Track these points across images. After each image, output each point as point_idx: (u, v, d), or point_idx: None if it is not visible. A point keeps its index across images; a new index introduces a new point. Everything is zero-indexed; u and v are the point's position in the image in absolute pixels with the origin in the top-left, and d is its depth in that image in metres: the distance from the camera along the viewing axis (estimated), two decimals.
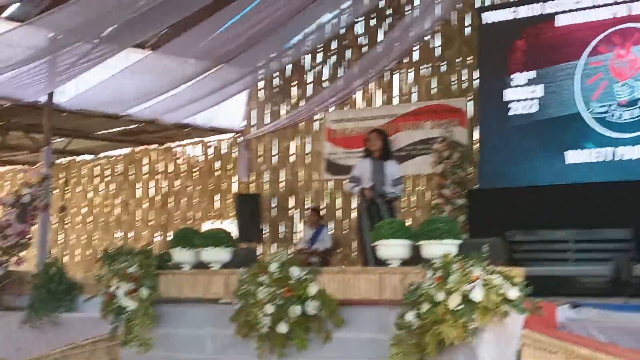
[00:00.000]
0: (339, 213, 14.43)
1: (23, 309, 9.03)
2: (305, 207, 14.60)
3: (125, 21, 11.05)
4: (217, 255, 7.23)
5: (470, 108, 13.01)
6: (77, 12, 10.29)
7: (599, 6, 11.54)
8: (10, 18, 11.35)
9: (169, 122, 14.59)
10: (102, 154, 17.83)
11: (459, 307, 5.62)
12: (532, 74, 12.04)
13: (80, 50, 11.44)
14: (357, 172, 9.89)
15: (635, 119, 11.18)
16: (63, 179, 16.16)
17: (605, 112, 11.42)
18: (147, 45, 12.77)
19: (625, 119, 11.27)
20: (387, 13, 14.05)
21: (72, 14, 10.35)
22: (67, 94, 12.81)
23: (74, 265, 17.59)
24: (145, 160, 17.09)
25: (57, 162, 17.49)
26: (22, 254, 9.81)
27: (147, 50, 12.77)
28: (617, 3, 11.39)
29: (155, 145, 16.85)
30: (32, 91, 12.16)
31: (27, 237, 9.84)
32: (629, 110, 11.24)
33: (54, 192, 11.00)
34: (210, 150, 16.19)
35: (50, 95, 12.29)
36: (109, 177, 17.63)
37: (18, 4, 11.17)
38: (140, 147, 17.11)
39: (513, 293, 5.65)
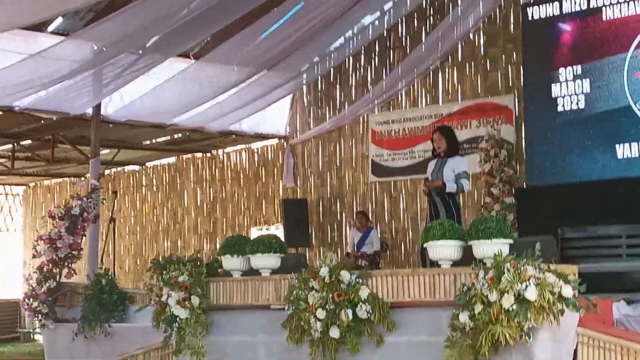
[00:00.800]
0: (386, 215, 14.37)
1: (76, 320, 9.12)
2: (353, 210, 14.55)
3: (168, 31, 11.12)
4: (266, 261, 7.23)
5: (516, 105, 12.88)
6: (120, 24, 10.37)
7: None
8: (55, 32, 11.47)
9: (215, 130, 14.64)
10: (149, 164, 17.96)
11: (513, 307, 5.56)
12: (578, 69, 11.90)
13: (125, 61, 11.53)
14: (428, 173, 9.73)
15: None
16: (111, 189, 16.28)
17: None
18: (190, 54, 12.83)
19: None
20: (429, 13, 13.97)
21: (115, 26, 10.44)
22: (114, 105, 12.92)
23: (124, 276, 17.75)
24: (191, 169, 17.18)
25: (105, 173, 17.67)
26: (73, 265, 9.89)
27: (190, 59, 12.83)
28: None
29: (201, 154, 16.93)
30: (79, 104, 12.28)
31: (78, 248, 9.92)
32: None
33: (103, 203, 11.05)
34: (256, 157, 16.23)
35: (97, 107, 12.40)
36: (156, 187, 17.74)
37: (62, 18, 11.28)
38: (187, 156, 17.20)
39: (567, 291, 5.59)
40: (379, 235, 13.85)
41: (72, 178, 18.83)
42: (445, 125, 11.35)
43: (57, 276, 9.76)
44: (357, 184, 14.76)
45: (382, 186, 14.43)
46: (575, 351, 5.94)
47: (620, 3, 11.57)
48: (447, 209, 9.26)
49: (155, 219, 17.70)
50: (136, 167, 18.22)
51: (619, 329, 6.44)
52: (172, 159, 17.54)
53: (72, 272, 9.83)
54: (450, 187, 9.30)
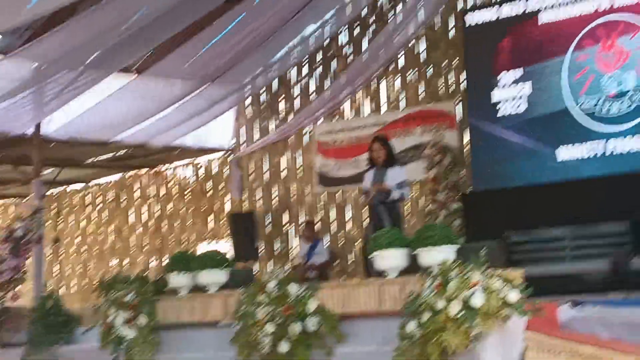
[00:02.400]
0: (333, 225, 14.37)
1: (22, 344, 8.95)
2: (300, 221, 14.53)
3: (108, 47, 11.01)
4: (213, 277, 7.18)
5: (459, 111, 12.97)
6: (60, 41, 10.25)
7: (581, 0, 11.53)
8: None
9: (159, 145, 14.52)
10: (92, 182, 17.76)
11: (460, 314, 5.58)
12: (518, 73, 12.03)
13: (66, 79, 11.39)
14: (364, 185, 9.74)
15: (625, 111, 11.16)
16: (55, 209, 16.07)
17: (595, 106, 11.40)
18: (132, 69, 12.72)
19: (614, 112, 11.25)
20: (370, 21, 14.02)
21: (55, 43, 10.31)
22: (55, 124, 12.75)
23: (70, 297, 17.48)
24: (136, 185, 17.02)
25: (48, 193, 17.43)
26: (17, 288, 9.73)
27: (132, 74, 12.72)
28: None
29: (145, 170, 16.78)
30: (19, 123, 12.11)
31: (22, 271, 9.76)
32: (617, 103, 11.22)
33: (47, 223, 10.91)
34: (202, 171, 16.14)
35: (38, 126, 12.23)
36: (101, 205, 17.55)
37: (0, 37, 11.13)
38: (131, 172, 17.04)
39: (513, 296, 5.61)
40: (327, 246, 13.83)
41: (15, 199, 18.55)
42: (384, 135, 11.39)
43: (2, 300, 9.59)
44: (303, 195, 14.74)
45: (329, 196, 14.42)
46: (523, 355, 5.97)
47: (556, 7, 11.72)
48: (392, 217, 9.29)
49: (100, 238, 17.50)
50: (80, 186, 17.99)
51: (565, 332, 6.48)
52: (116, 176, 17.36)
53: (17, 295, 9.67)
54: (397, 194, 9.33)
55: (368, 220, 9.80)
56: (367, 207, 9.79)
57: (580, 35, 11.56)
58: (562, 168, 11.60)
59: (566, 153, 11.60)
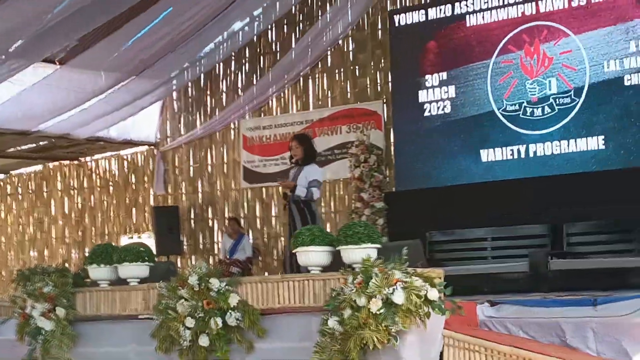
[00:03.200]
0: (258, 222, 14.36)
1: None
2: (225, 216, 14.48)
3: (32, 36, 10.83)
4: (135, 270, 7.13)
5: (385, 111, 13.06)
6: None
7: (507, 5, 11.70)
8: None
9: (82, 137, 14.32)
10: (14, 172, 17.44)
11: (381, 311, 5.63)
12: (444, 75, 12.16)
13: None
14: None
15: (547, 116, 11.36)
16: None
17: (518, 110, 11.58)
18: (56, 60, 12.52)
19: (536, 116, 11.45)
20: (299, 19, 14.04)
21: None
22: None
23: None
24: (59, 177, 16.77)
25: None
26: None
27: (56, 65, 12.53)
28: (525, 1, 11.56)
29: (68, 161, 16.55)
30: None
31: None
32: (540, 107, 11.42)
33: None
34: (126, 164, 15.96)
35: None
36: (22, 195, 17.25)
37: None
38: (54, 163, 16.78)
39: (433, 294, 5.70)
40: (251, 242, 13.82)
41: None
42: (303, 133, 11.42)
43: None
44: (228, 190, 14.69)
45: (254, 192, 14.40)
46: (442, 353, 6.05)
47: (484, 10, 11.88)
48: (302, 216, 9.32)
49: (20, 229, 17.19)
50: (0, 176, 17.66)
51: (483, 331, 6.60)
52: (38, 167, 17.06)
53: None
54: (300, 191, 9.32)
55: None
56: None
57: (505, 39, 11.72)
58: (485, 170, 11.76)
59: (488, 155, 11.76)
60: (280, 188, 9.96)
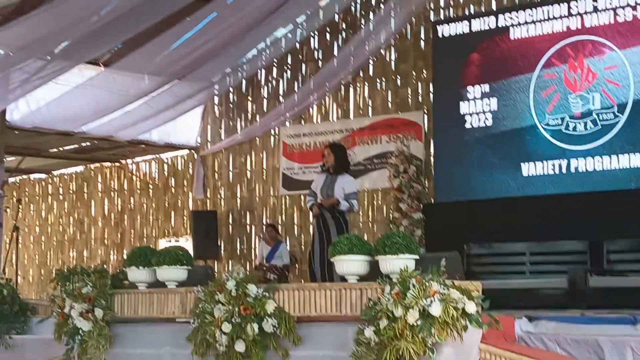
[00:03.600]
0: (296, 229, 14.37)
1: None
2: (263, 223, 14.52)
3: (78, 37, 10.95)
4: (173, 273, 7.13)
5: (426, 122, 13.03)
6: (29, 29, 10.18)
7: (552, 19, 11.64)
8: None
9: (124, 139, 14.45)
10: (55, 172, 17.63)
11: (418, 322, 5.60)
12: (486, 87, 12.11)
13: (33, 67, 11.32)
14: (313, 185, 9.85)
15: (589, 131, 11.28)
16: (16, 198, 15.91)
17: (560, 124, 11.50)
18: (100, 62, 12.64)
19: (579, 131, 11.36)
20: (342, 27, 14.05)
21: (24, 31, 10.24)
22: (20, 112, 12.65)
23: (27, 286, 17.36)
24: (99, 178, 16.92)
25: (9, 181, 17.29)
26: None
27: (100, 67, 12.65)
28: (570, 15, 11.50)
29: (109, 163, 16.69)
30: None
31: None
32: (582, 122, 11.34)
33: (6, 211, 10.80)
34: (166, 167, 16.06)
35: (3, 113, 12.13)
36: (63, 195, 17.42)
37: None
38: (95, 165, 16.93)
39: (471, 307, 5.65)
40: (288, 249, 13.83)
41: None
42: (338, 143, 11.45)
43: None
44: (267, 197, 14.73)
45: (292, 199, 14.43)
46: None
47: (528, 23, 11.84)
48: (338, 224, 9.35)
49: (61, 229, 17.37)
50: (42, 175, 17.85)
51: (520, 346, 6.54)
52: (79, 168, 17.24)
53: None
54: (344, 205, 9.40)
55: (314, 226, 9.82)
56: (312, 214, 9.81)
57: (549, 53, 11.66)
58: (525, 184, 11.69)
59: (530, 169, 11.70)
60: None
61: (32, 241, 17.65)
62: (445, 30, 12.55)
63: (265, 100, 14.84)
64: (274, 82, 14.76)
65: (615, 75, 11.15)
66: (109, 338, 7.15)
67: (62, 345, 7.32)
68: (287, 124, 14.55)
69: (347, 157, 10.03)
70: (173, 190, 15.87)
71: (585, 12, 11.39)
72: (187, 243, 14.51)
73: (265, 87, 14.86)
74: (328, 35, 14.13)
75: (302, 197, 14.21)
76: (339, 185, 9.48)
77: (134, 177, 16.37)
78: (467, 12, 12.68)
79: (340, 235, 8.03)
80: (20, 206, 14.55)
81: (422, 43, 13.28)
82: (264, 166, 14.80)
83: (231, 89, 14.93)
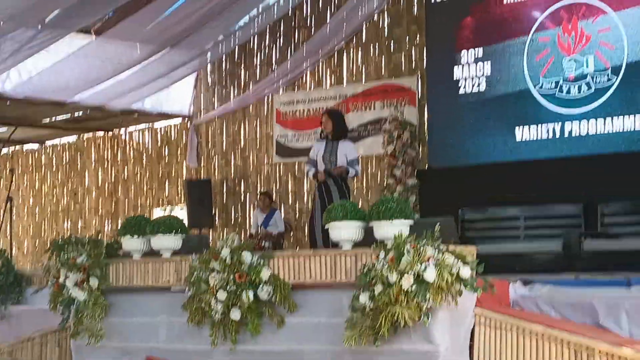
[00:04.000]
0: (290, 196, 14.36)
1: None
2: (257, 191, 14.50)
3: (69, 5, 10.88)
4: (167, 242, 7.14)
5: (419, 87, 12.98)
6: None
7: None
8: None
9: (116, 108, 14.39)
10: (48, 142, 17.57)
11: (413, 288, 5.62)
12: (479, 52, 12.06)
13: (24, 37, 11.25)
14: (312, 154, 9.77)
15: (584, 95, 11.24)
16: (9, 168, 15.87)
17: (554, 88, 11.46)
18: (92, 30, 12.56)
19: (573, 94, 11.33)
20: None
21: (13, 0, 10.16)
22: (11, 82, 12.60)
23: (22, 257, 17.36)
24: (93, 148, 16.87)
25: (2, 151, 17.24)
26: None
27: (92, 35, 12.57)
28: None
29: (102, 132, 16.64)
30: None
31: None
32: (576, 85, 11.30)
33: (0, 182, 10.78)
34: (159, 136, 16.02)
35: None
36: (56, 166, 17.38)
37: None
38: (88, 135, 16.88)
39: (465, 272, 5.67)
40: (282, 216, 13.83)
41: None
42: (335, 109, 11.39)
43: None
44: (261, 165, 14.70)
45: (286, 167, 14.40)
46: (473, 331, 6.04)
47: None
48: (340, 190, 9.34)
49: (55, 199, 17.35)
50: (35, 146, 17.80)
51: (515, 310, 6.56)
52: (72, 138, 17.18)
53: None
54: (352, 173, 9.40)
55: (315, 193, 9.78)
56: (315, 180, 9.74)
57: (542, 16, 11.60)
58: (519, 148, 11.67)
59: (523, 134, 11.67)
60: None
61: (26, 212, 17.62)
62: None
63: (258, 68, 14.77)
64: (266, 49, 14.68)
65: (609, 37, 11.10)
66: (104, 307, 7.17)
67: (58, 315, 7.34)
68: (280, 91, 14.49)
69: (346, 122, 9.97)
70: (166, 159, 15.84)
71: None
72: (181, 212, 14.49)
73: (258, 55, 14.78)
74: (320, 1, 14.02)
75: (297, 164, 14.22)
76: (342, 152, 9.44)
77: (127, 147, 16.33)
78: None
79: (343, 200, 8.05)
80: (13, 177, 14.52)
81: (415, 8, 13.18)
82: (258, 134, 14.75)
83: (224, 57, 14.85)
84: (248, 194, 14.80)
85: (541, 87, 11.55)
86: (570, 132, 11.33)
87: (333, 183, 9.40)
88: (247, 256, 6.42)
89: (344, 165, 9.41)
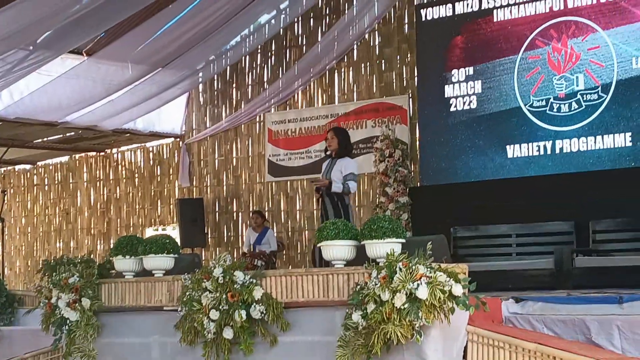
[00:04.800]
0: (283, 215, 14.37)
1: None
2: (249, 210, 14.50)
3: (60, 27, 10.89)
4: (160, 262, 7.14)
5: (411, 105, 13.03)
6: (10, 19, 10.10)
7: (535, 0, 11.64)
8: None
9: (108, 129, 14.40)
10: (40, 163, 17.56)
11: (405, 306, 5.62)
12: (470, 70, 12.12)
13: (15, 58, 11.25)
14: (322, 173, 9.62)
15: (574, 112, 11.30)
16: (1, 189, 15.86)
17: (544, 106, 11.52)
18: (83, 51, 12.59)
19: (563, 112, 11.39)
20: (325, 12, 14.02)
21: (5, 21, 10.16)
22: (3, 102, 12.59)
23: (14, 277, 17.31)
24: (85, 168, 16.86)
25: None
26: None
27: (83, 56, 12.59)
28: None
29: (94, 152, 16.64)
30: None
31: None
32: (567, 103, 11.36)
33: None
34: (151, 156, 16.02)
35: None
36: (49, 186, 17.36)
37: None
38: (80, 155, 16.87)
39: (457, 290, 5.67)
40: (275, 235, 13.83)
41: None
42: (341, 127, 11.37)
43: None
44: (253, 184, 14.71)
45: (278, 186, 14.42)
46: (466, 349, 6.04)
47: (511, 5, 11.84)
48: (335, 209, 9.25)
49: (47, 219, 17.32)
50: (27, 166, 17.78)
51: (507, 327, 6.58)
52: (64, 158, 17.16)
53: None
54: (336, 187, 9.20)
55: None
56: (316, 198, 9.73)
57: (532, 35, 11.67)
58: (510, 165, 11.72)
59: (514, 151, 11.72)
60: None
61: (18, 232, 17.58)
62: (429, 13, 12.53)
63: (249, 87, 14.81)
64: (258, 68, 14.73)
65: (598, 55, 11.17)
66: (96, 327, 7.16)
67: (50, 335, 7.33)
68: (272, 110, 14.53)
69: (349, 139, 9.80)
70: (159, 178, 15.84)
71: None
72: (173, 231, 14.49)
73: (250, 74, 14.83)
74: (312, 21, 14.10)
75: (289, 183, 14.24)
76: (337, 168, 9.36)
77: (119, 167, 16.33)
78: None
79: (337, 218, 8.01)
80: (5, 197, 14.49)
81: (406, 27, 13.26)
82: (250, 153, 14.78)
83: (215, 76, 14.89)
84: (240, 212, 14.81)
85: (531, 105, 11.61)
86: (561, 149, 11.39)
87: (329, 201, 9.30)
88: (239, 275, 6.42)
89: (326, 180, 9.32)
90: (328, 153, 9.58)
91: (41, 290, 7.38)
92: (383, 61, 13.47)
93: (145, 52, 12.50)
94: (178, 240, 9.86)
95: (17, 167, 17.87)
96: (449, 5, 12.35)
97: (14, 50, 11.06)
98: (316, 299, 6.28)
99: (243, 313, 6.31)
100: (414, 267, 5.71)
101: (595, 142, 11.15)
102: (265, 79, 14.62)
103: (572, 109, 11.32)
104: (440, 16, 12.42)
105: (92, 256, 7.62)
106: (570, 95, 11.34)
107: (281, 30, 14.04)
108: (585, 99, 11.22)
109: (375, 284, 5.76)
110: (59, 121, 13.57)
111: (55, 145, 16.12)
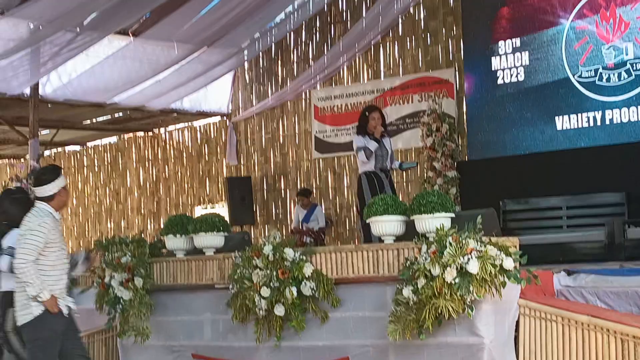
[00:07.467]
0: (330, 192, 14.37)
1: None
2: (297, 187, 14.53)
3: (105, 8, 10.96)
4: (210, 240, 7.18)
5: (457, 79, 12.93)
6: (57, 1, 10.20)
7: None
8: None
9: (156, 109, 14.49)
10: (90, 144, 17.74)
11: (456, 280, 5.61)
12: (517, 42, 11.99)
13: (63, 40, 11.36)
14: (372, 146, 9.35)
15: (623, 82, 11.14)
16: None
17: (593, 76, 11.37)
18: (129, 32, 12.66)
19: (613, 82, 11.23)
20: None
21: (52, 3, 10.27)
22: (52, 85, 12.72)
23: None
24: (133, 148, 17.01)
25: (45, 154, 17.42)
26: None
27: (129, 37, 12.67)
28: None
29: (142, 132, 16.77)
30: (16, 83, 12.08)
31: None
32: (616, 73, 11.20)
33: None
34: (199, 135, 16.10)
35: (35, 86, 12.22)
36: (98, 167, 17.55)
37: None
38: (128, 135, 17.02)
39: (508, 263, 5.64)
40: (323, 212, 13.85)
41: (11, 159, 18.52)
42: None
43: None
44: (300, 161, 14.72)
45: (325, 162, 14.41)
46: (518, 322, 6.02)
47: None
48: (392, 185, 9.25)
49: (97, 200, 17.51)
50: (77, 148, 17.98)
51: (559, 300, 6.54)
52: (113, 139, 17.33)
53: None
54: (395, 165, 9.36)
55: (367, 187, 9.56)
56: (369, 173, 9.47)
57: (580, 4, 11.50)
58: (559, 137, 11.60)
59: (563, 123, 11.59)
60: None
61: (69, 213, 17.80)
62: None
63: (295, 64, 14.79)
64: (303, 45, 14.69)
65: None
66: (149, 306, 7.22)
67: (104, 314, 7.41)
68: (318, 86, 14.50)
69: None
70: (206, 157, 15.92)
71: None
72: (222, 210, 14.57)
73: (295, 51, 14.81)
74: None
75: (336, 159, 14.23)
76: (389, 147, 9.24)
77: (168, 146, 16.44)
78: None
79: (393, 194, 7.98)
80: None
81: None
82: (296, 130, 14.78)
83: (260, 54, 14.89)
84: (288, 190, 14.84)
85: (580, 75, 11.46)
86: (611, 120, 11.25)
87: (385, 177, 9.14)
88: (289, 252, 6.44)
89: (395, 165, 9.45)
90: (367, 131, 9.19)
91: (95, 270, 7.46)
92: (428, 34, 13.36)
93: (190, 32, 12.55)
94: (227, 218, 9.91)
95: (67, 149, 18.08)
96: None
97: (61, 32, 11.16)
98: (366, 275, 6.29)
99: (294, 290, 6.34)
100: (464, 242, 5.69)
101: None
102: (310, 56, 14.59)
103: (622, 78, 11.15)
104: None
105: (142, 236, 7.67)
106: (620, 64, 11.17)
107: (325, 6, 13.99)
108: (635, 68, 11.05)
109: (426, 259, 5.75)
110: (107, 102, 13.68)
111: (104, 126, 16.27)
